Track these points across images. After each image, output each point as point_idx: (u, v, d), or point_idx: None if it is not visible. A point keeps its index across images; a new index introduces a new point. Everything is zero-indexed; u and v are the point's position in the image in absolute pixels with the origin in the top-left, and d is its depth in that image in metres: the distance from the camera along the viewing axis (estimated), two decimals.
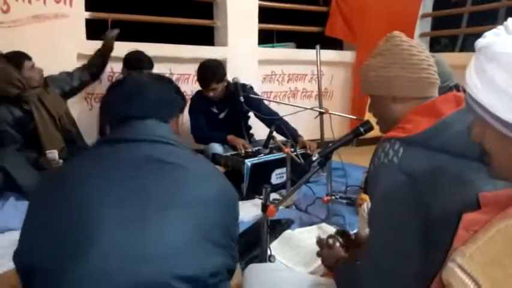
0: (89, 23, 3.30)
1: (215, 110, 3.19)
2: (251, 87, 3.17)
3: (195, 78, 3.20)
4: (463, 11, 5.07)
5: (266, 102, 3.27)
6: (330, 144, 1.38)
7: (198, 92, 3.24)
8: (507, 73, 0.60)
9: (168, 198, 0.87)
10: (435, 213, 0.87)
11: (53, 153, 2.53)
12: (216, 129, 3.16)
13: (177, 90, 1.13)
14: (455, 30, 5.33)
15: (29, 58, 2.61)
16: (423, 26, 4.82)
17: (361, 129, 1.29)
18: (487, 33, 0.64)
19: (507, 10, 4.24)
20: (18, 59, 2.56)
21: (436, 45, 5.35)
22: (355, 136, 1.32)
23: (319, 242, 1.33)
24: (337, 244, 1.29)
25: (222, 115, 3.20)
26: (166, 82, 1.14)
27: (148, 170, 0.90)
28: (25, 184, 2.40)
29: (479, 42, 0.65)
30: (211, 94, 3.07)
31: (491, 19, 4.58)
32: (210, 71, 3.03)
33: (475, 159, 0.83)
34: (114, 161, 0.92)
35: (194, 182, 0.92)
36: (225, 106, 3.17)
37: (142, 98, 1.02)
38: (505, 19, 0.65)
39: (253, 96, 2.89)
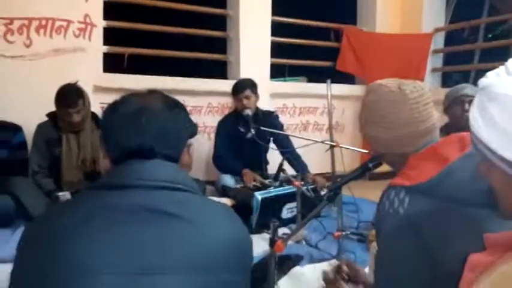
0: (105, 56, 3.41)
1: (242, 130, 3.21)
2: (276, 116, 3.40)
3: (208, 110, 3.27)
4: (474, 47, 5.10)
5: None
6: (339, 179, 1.37)
7: (227, 114, 3.37)
8: (506, 113, 0.61)
9: (163, 259, 0.73)
10: (442, 262, 0.84)
11: (65, 196, 2.55)
12: (240, 149, 3.20)
13: (188, 117, 1.01)
14: (467, 66, 5.34)
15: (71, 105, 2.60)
16: (435, 61, 4.85)
17: (370, 165, 1.27)
18: (489, 73, 0.66)
19: None
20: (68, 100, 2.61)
21: (448, 80, 5.34)
22: (364, 171, 1.31)
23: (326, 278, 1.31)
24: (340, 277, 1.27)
25: (249, 135, 3.17)
26: (179, 107, 0.98)
27: (140, 223, 0.75)
28: (36, 213, 2.42)
29: (482, 82, 0.66)
30: (244, 102, 3.13)
31: (502, 55, 4.60)
32: (247, 79, 3.28)
33: (482, 206, 0.82)
34: (103, 213, 0.76)
35: (197, 239, 0.77)
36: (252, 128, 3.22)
37: (150, 126, 0.86)
38: None
39: (264, 129, 2.92)
